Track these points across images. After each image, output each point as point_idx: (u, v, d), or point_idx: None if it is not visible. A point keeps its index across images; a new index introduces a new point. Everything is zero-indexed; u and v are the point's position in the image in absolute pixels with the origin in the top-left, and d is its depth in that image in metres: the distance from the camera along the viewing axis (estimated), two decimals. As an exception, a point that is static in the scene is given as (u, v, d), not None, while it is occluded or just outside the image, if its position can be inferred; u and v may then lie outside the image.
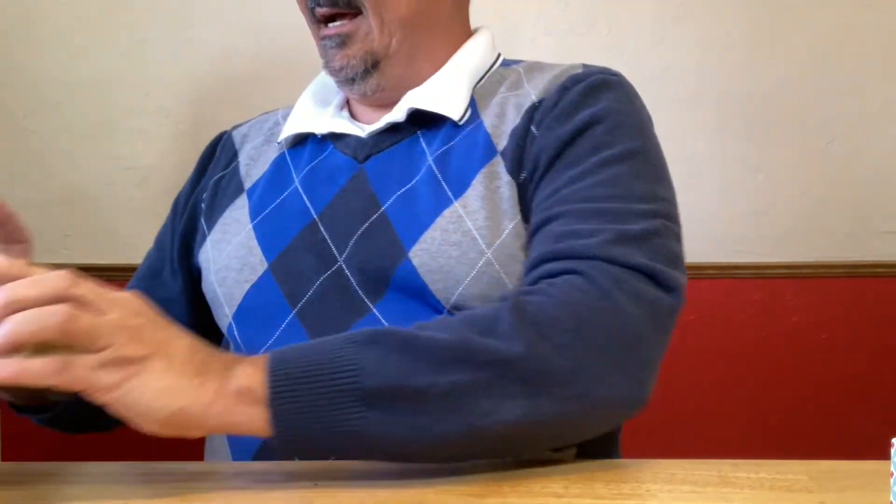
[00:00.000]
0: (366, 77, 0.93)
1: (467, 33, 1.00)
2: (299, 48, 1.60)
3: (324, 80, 1.02)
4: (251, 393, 0.62)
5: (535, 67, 0.96)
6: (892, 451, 0.54)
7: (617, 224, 0.76)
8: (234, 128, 1.08)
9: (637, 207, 0.78)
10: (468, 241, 0.83)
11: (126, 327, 0.60)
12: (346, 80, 0.94)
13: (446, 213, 0.84)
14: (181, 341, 0.63)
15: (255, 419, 0.62)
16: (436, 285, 0.82)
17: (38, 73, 1.59)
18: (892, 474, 0.55)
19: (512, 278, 0.83)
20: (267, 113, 1.08)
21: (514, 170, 0.86)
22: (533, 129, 0.87)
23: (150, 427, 0.61)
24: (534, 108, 0.88)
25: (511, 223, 0.84)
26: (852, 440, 1.50)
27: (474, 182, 0.86)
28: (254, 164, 1.00)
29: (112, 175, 1.58)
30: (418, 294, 0.83)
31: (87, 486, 0.67)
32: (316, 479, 0.67)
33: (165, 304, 0.98)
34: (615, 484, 0.66)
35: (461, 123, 0.91)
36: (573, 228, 0.77)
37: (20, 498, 0.64)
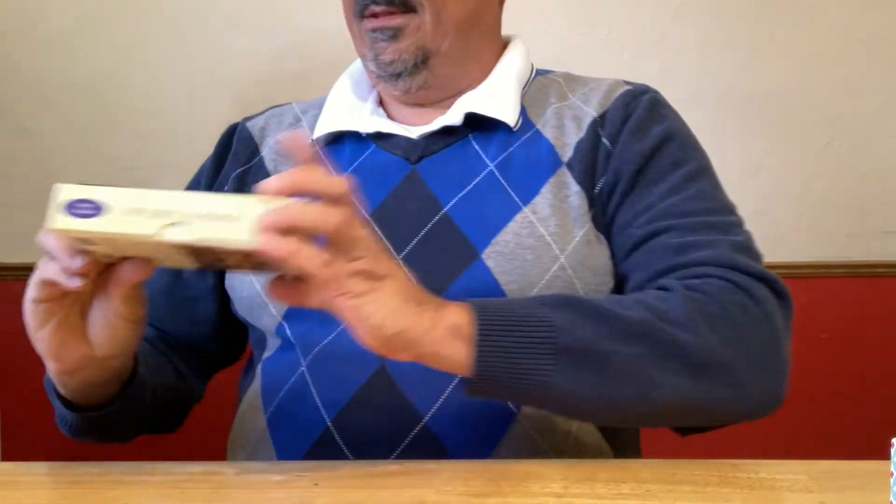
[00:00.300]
0: (414, 73, 0.92)
1: (503, 39, 1.01)
2: (299, 48, 1.60)
3: (355, 76, 1.01)
4: (459, 330, 0.68)
5: (572, 79, 0.99)
6: (892, 451, 0.54)
7: (725, 235, 0.83)
8: (246, 120, 1.05)
9: (730, 219, 0.86)
10: (542, 245, 0.86)
11: (377, 246, 0.66)
12: (393, 74, 0.92)
13: (518, 217, 0.87)
14: (403, 270, 0.69)
15: (459, 354, 0.68)
16: (510, 286, 0.84)
17: (38, 73, 1.59)
18: (892, 474, 0.55)
19: (581, 283, 0.86)
20: (277, 107, 1.06)
21: (585, 181, 0.89)
22: (606, 143, 0.90)
23: (372, 341, 0.66)
24: (598, 124, 0.91)
25: (581, 230, 0.87)
26: (852, 440, 1.50)
27: (543, 190, 0.88)
28: (283, 161, 0.98)
29: (112, 175, 1.58)
30: (486, 295, 0.84)
31: (87, 487, 0.67)
32: (316, 479, 0.67)
33: (190, 304, 0.98)
34: (615, 484, 0.66)
35: (515, 130, 0.92)
36: (689, 240, 0.82)
37: (20, 498, 0.64)
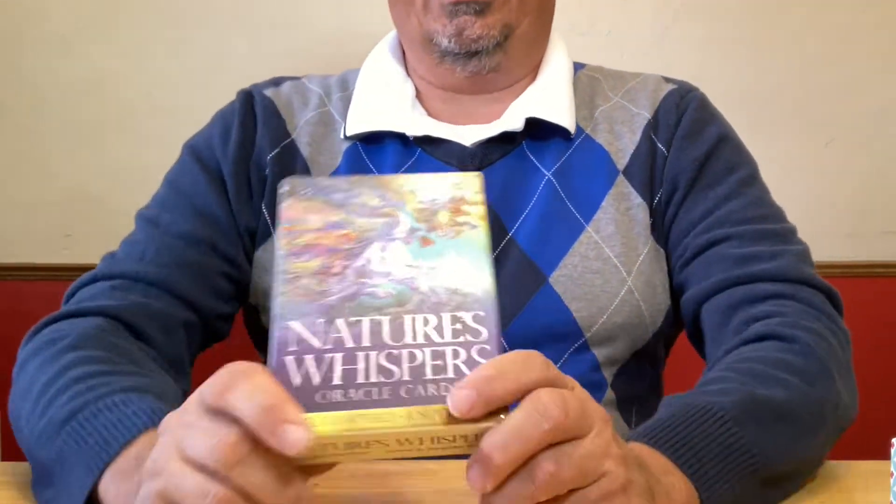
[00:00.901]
0: (495, 52, 0.86)
1: None
2: (299, 48, 1.60)
3: (385, 61, 0.94)
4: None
5: (608, 75, 0.95)
6: (892, 451, 0.54)
7: (787, 245, 0.82)
8: (261, 87, 0.94)
9: (787, 226, 0.85)
10: (609, 268, 0.84)
11: (617, 456, 0.48)
12: (470, 53, 0.85)
13: (582, 237, 0.84)
14: (633, 467, 0.51)
15: None
16: (580, 312, 0.83)
17: (38, 73, 1.59)
18: (892, 474, 0.55)
19: (647, 305, 0.85)
20: (287, 79, 0.97)
21: (646, 192, 0.87)
22: (661, 148, 0.88)
23: None
24: (651, 127, 0.89)
25: (646, 248, 0.86)
26: (852, 440, 1.50)
27: (604, 205, 0.86)
28: (318, 151, 0.90)
29: (112, 175, 1.58)
30: (554, 319, 0.82)
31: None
32: (316, 479, 0.67)
33: (217, 278, 0.86)
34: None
35: (572, 136, 0.89)
36: (751, 251, 0.80)
37: (20, 498, 0.64)
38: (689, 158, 0.87)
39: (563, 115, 0.88)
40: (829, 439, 0.68)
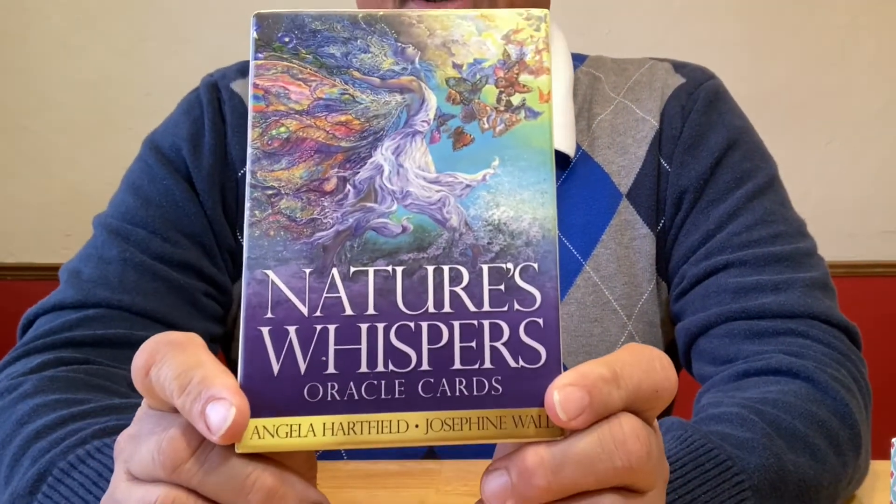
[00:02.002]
0: None
1: None
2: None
3: None
4: None
5: (609, 69, 0.83)
6: (892, 451, 0.54)
7: (796, 271, 0.70)
8: (225, 79, 0.82)
9: (800, 247, 0.72)
10: (608, 314, 0.74)
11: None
12: None
13: (579, 280, 0.74)
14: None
15: None
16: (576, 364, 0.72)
17: (38, 73, 1.59)
18: (892, 474, 0.55)
19: (644, 343, 0.73)
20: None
21: (651, 219, 0.76)
22: (664, 164, 0.77)
23: None
24: (657, 139, 0.77)
25: (650, 285, 0.76)
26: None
27: (604, 238, 0.75)
28: None
29: (112, 175, 1.58)
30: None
31: (87, 486, 0.67)
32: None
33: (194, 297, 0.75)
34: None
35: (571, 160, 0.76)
36: (751, 280, 0.69)
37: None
38: (693, 175, 0.75)
39: (561, 138, 0.76)
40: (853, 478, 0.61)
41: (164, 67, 1.59)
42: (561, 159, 0.76)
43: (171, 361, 0.35)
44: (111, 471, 0.47)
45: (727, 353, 0.67)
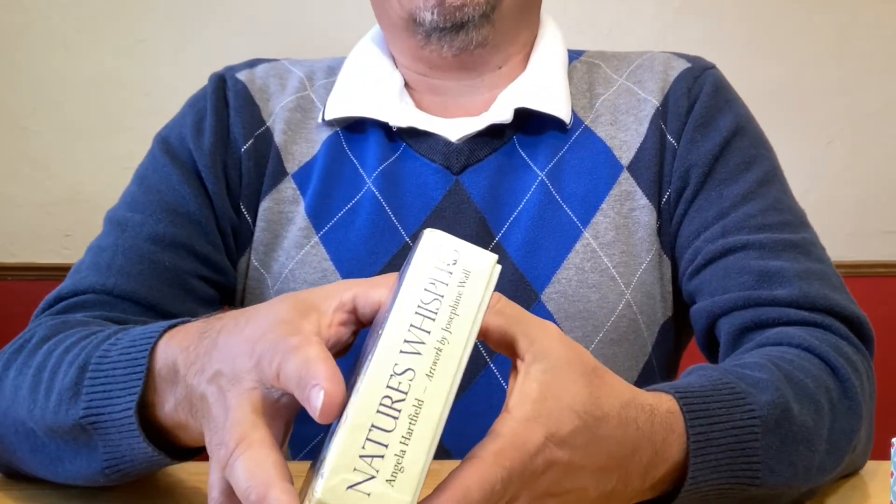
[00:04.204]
0: (482, 24, 0.78)
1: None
2: (300, 48, 1.60)
3: (370, 57, 0.86)
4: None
5: (610, 57, 0.87)
6: (892, 451, 0.54)
7: (807, 261, 0.73)
8: (233, 70, 0.86)
9: (808, 236, 0.77)
10: (607, 281, 0.76)
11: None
12: (456, 25, 0.77)
13: (578, 246, 0.76)
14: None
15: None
16: (574, 332, 0.75)
17: (38, 73, 1.59)
18: (892, 474, 0.55)
19: (645, 318, 0.78)
20: (264, 61, 0.88)
21: (652, 192, 0.78)
22: (671, 140, 0.79)
23: None
24: (660, 115, 0.80)
25: (649, 255, 0.78)
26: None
27: (603, 206, 0.78)
28: (293, 139, 0.83)
29: (112, 175, 1.58)
30: None
31: (86, 487, 0.67)
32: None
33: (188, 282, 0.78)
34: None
35: (567, 128, 0.80)
36: (771, 265, 0.72)
37: (20, 498, 0.64)
38: (702, 151, 0.78)
39: (556, 103, 0.79)
40: (830, 479, 0.63)
41: (164, 67, 1.59)
42: (559, 126, 0.80)
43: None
44: (147, 331, 0.54)
45: (751, 336, 0.71)
